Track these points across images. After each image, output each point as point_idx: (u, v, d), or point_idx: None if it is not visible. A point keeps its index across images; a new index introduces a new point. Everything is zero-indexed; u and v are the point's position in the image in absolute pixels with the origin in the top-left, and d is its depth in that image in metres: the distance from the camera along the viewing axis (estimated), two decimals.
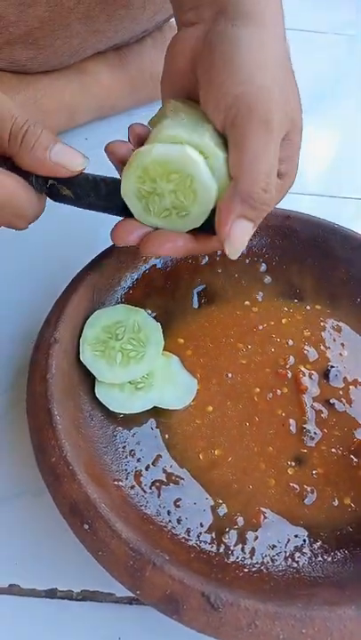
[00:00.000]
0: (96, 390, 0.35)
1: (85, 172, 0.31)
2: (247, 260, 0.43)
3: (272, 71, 0.30)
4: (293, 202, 0.44)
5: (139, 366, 0.35)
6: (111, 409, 0.34)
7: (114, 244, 0.40)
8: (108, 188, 0.31)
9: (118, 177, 0.32)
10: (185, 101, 0.32)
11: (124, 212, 0.32)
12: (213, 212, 0.31)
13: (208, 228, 0.31)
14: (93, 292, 0.38)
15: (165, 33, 0.56)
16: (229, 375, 0.38)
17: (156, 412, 0.35)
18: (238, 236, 0.30)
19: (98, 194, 0.32)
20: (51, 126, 0.54)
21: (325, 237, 0.43)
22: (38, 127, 0.30)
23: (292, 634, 0.26)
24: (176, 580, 0.26)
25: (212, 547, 0.30)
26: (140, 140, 0.32)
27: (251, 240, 0.44)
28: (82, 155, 0.31)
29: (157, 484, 0.32)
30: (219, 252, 0.44)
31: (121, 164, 0.32)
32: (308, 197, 0.54)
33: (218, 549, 0.30)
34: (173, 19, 0.36)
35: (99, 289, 0.38)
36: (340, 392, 0.38)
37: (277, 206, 0.44)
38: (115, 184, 0.31)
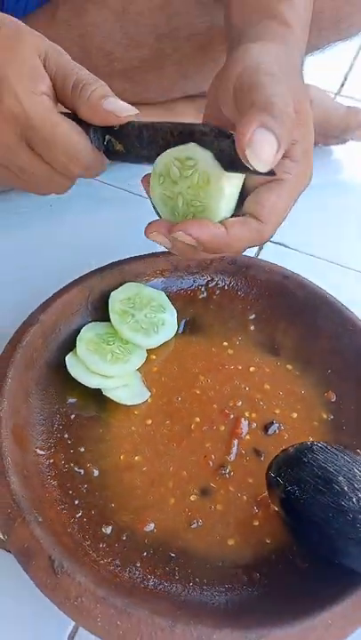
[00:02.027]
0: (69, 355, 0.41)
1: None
2: (240, 306, 0.47)
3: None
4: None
5: (125, 365, 0.41)
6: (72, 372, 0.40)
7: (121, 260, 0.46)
8: (148, 134, 0.34)
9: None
10: None
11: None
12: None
13: None
14: (89, 293, 0.44)
15: None
16: (179, 399, 0.42)
17: (101, 408, 0.40)
18: (259, 142, 0.28)
19: (141, 142, 0.34)
20: None
21: (318, 306, 0.45)
22: (96, 81, 0.33)
23: (108, 621, 0.29)
24: (35, 539, 0.31)
25: (87, 530, 0.34)
26: None
27: (250, 290, 0.48)
28: (131, 106, 0.34)
29: (72, 464, 0.37)
30: (218, 291, 0.48)
31: None
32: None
33: (92, 535, 0.34)
34: None
35: (95, 292, 0.44)
36: (272, 447, 0.40)
37: (285, 266, 0.48)
38: (154, 129, 0.33)
